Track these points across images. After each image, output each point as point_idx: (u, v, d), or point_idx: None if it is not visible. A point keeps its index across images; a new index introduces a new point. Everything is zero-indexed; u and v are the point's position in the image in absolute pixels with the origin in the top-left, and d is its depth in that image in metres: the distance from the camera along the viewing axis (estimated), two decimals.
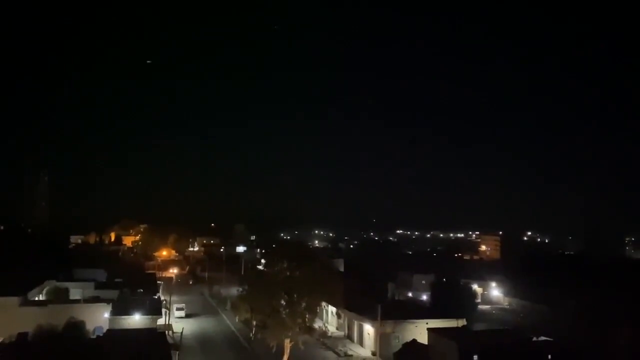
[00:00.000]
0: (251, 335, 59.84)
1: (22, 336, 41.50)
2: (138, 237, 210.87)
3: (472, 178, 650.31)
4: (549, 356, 44.39)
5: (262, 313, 50.77)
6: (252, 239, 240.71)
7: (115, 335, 45.51)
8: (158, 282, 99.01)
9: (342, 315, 70.19)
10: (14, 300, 59.02)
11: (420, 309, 73.00)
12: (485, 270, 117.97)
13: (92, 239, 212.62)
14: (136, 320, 56.96)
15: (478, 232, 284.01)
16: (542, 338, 54.33)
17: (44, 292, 72.08)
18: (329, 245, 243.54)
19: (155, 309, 62.36)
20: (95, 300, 65.26)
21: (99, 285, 77.17)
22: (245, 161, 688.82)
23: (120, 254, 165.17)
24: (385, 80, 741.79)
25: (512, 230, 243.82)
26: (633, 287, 79.67)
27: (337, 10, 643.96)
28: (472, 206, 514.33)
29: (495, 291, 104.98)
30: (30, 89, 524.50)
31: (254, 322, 55.11)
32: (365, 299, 66.84)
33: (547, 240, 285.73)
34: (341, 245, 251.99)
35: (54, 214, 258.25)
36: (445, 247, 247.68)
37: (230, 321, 76.73)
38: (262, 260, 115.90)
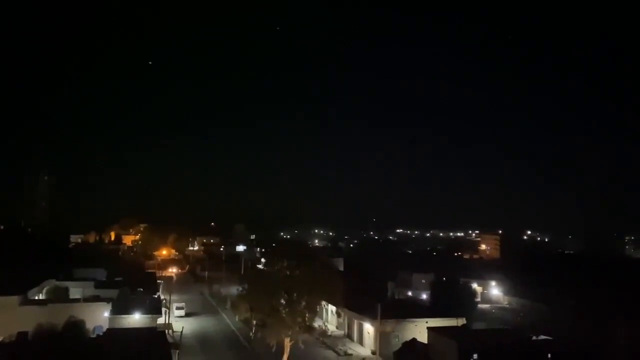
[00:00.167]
0: (251, 334, 59.91)
1: (22, 335, 41.53)
2: (138, 236, 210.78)
3: (472, 178, 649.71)
4: (549, 355, 44.40)
5: (262, 312, 50.76)
6: (252, 238, 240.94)
7: (115, 335, 45.48)
8: (158, 281, 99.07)
9: (342, 314, 70.22)
10: (14, 299, 59.05)
11: (420, 308, 73.02)
12: (485, 269, 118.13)
13: (92, 238, 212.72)
14: (136, 319, 56.96)
15: (478, 231, 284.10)
16: (542, 337, 54.43)
17: (44, 291, 72.09)
18: (329, 245, 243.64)
19: (155, 308, 62.36)
20: (95, 299, 65.28)
21: (99, 285, 77.15)
22: (245, 161, 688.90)
23: (120, 253, 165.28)
24: (385, 80, 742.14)
25: (511, 229, 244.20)
26: (633, 286, 79.82)
27: (337, 10, 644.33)
28: (472, 206, 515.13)
29: (495, 290, 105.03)
30: (30, 89, 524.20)
31: (254, 321, 55.13)
32: (365, 298, 66.87)
33: (546, 240, 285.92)
34: (341, 244, 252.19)
35: (54, 214, 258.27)
36: (445, 246, 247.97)
37: (230, 320, 76.77)
38: (262, 260, 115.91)
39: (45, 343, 36.58)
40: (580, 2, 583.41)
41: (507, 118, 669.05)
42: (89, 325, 54.88)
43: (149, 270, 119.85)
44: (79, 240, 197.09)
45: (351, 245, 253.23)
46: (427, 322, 56.75)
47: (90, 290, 71.47)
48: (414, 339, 54.23)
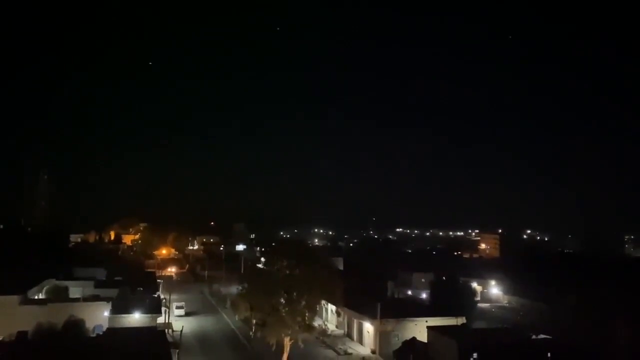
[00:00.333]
0: (251, 333, 59.91)
1: (22, 335, 41.63)
2: (138, 235, 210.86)
3: (472, 178, 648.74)
4: (548, 354, 44.40)
5: (262, 311, 50.75)
6: (251, 237, 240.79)
7: (115, 334, 45.53)
8: (158, 280, 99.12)
9: (342, 313, 70.25)
10: (14, 298, 59.02)
11: (420, 307, 73.09)
12: (484, 268, 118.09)
13: (91, 237, 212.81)
14: (136, 318, 56.95)
15: (478, 231, 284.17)
16: (542, 336, 54.49)
17: (44, 290, 72.04)
18: (329, 244, 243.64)
19: (155, 308, 62.36)
20: (95, 298, 65.28)
21: (99, 284, 77.21)
22: (245, 161, 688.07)
23: (120, 252, 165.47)
24: (385, 80, 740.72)
25: (511, 228, 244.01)
26: (632, 286, 79.83)
27: (337, 10, 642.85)
28: (471, 205, 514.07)
29: (495, 289, 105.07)
30: (30, 88, 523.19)
31: (254, 321, 55.10)
32: (364, 297, 66.90)
33: (546, 239, 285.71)
34: (341, 243, 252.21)
35: (54, 214, 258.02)
36: (445, 245, 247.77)
37: (230, 319, 76.79)
38: (262, 259, 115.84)
39: (45, 342, 36.64)
40: (580, 2, 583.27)
41: (507, 118, 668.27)
42: (89, 325, 55.02)
43: (149, 270, 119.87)
44: (79, 240, 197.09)
45: (351, 245, 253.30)
46: (427, 321, 56.84)
47: (90, 289, 71.55)
48: (413, 338, 54.30)
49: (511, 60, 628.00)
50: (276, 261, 54.73)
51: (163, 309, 66.54)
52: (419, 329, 56.56)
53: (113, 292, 68.01)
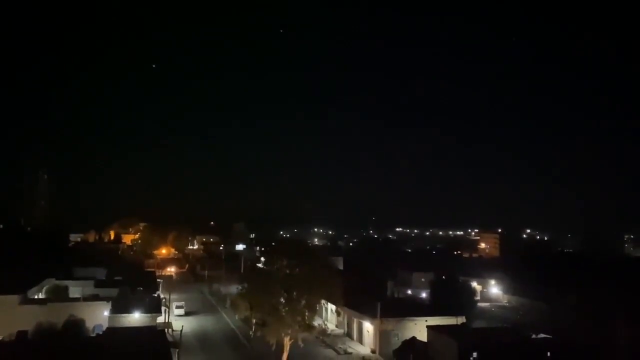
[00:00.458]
0: (251, 333, 59.86)
1: (22, 334, 41.64)
2: (137, 235, 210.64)
3: (472, 178, 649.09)
4: (548, 353, 44.46)
5: (262, 311, 50.77)
6: (251, 237, 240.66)
7: (115, 333, 45.46)
8: (157, 280, 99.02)
9: (342, 313, 70.24)
10: (14, 298, 58.92)
11: (420, 307, 73.13)
12: (484, 268, 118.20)
13: (91, 237, 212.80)
14: (136, 318, 56.92)
15: (477, 230, 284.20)
16: (541, 335, 54.52)
17: (44, 290, 72.05)
18: (329, 244, 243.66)
19: (154, 307, 62.34)
20: (95, 298, 65.25)
21: (99, 284, 77.19)
22: (245, 161, 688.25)
23: (119, 252, 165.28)
24: (385, 80, 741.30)
25: (511, 228, 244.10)
26: (632, 285, 79.85)
27: (337, 10, 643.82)
28: (471, 205, 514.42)
29: (495, 289, 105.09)
30: (30, 88, 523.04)
31: (254, 320, 55.11)
32: (364, 296, 66.84)
33: (546, 238, 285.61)
34: (341, 243, 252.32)
35: (53, 214, 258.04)
36: (445, 245, 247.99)
37: (230, 319, 76.81)
38: (262, 258, 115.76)
39: (45, 342, 36.69)
40: (580, 2, 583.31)
41: (507, 118, 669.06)
42: (89, 324, 55.14)
43: (149, 269, 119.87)
44: (79, 240, 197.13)
45: (351, 244, 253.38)
46: (426, 321, 56.83)
47: (89, 289, 71.46)
48: (413, 338, 54.31)
49: (511, 60, 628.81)
50: (276, 261, 54.71)
51: (163, 308, 66.54)
52: (418, 329, 56.57)
53: (113, 292, 68.02)
